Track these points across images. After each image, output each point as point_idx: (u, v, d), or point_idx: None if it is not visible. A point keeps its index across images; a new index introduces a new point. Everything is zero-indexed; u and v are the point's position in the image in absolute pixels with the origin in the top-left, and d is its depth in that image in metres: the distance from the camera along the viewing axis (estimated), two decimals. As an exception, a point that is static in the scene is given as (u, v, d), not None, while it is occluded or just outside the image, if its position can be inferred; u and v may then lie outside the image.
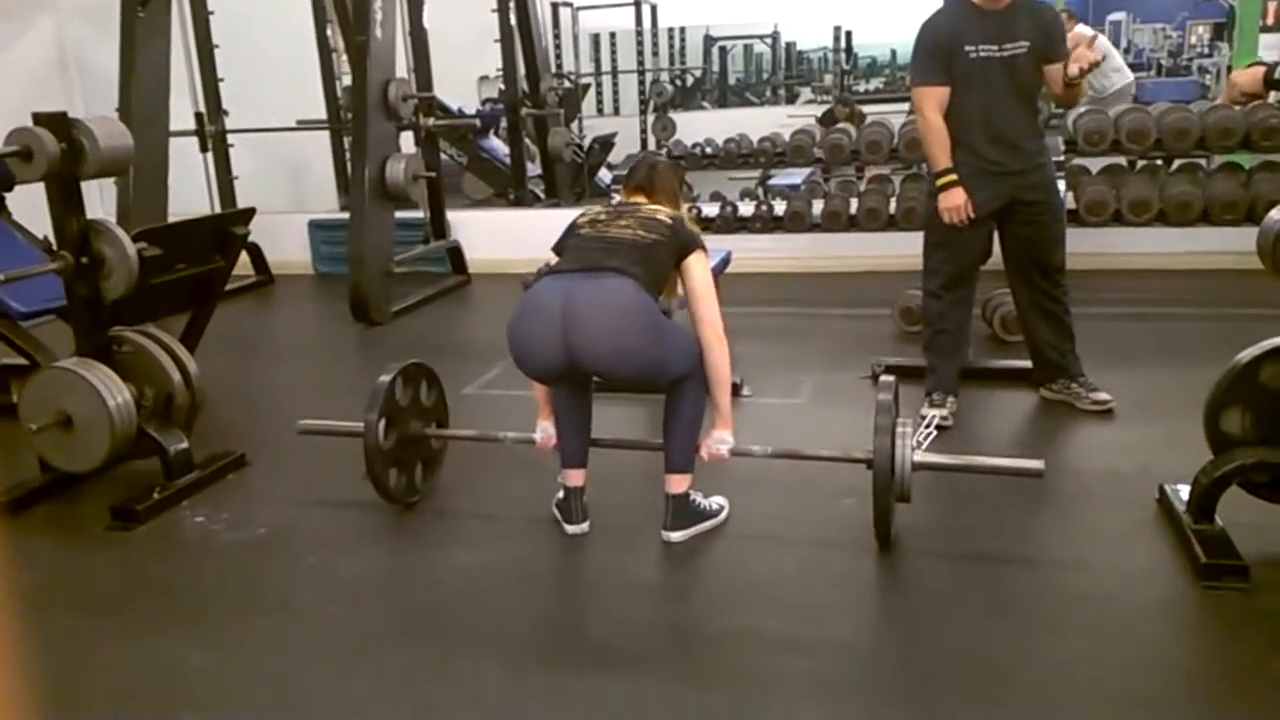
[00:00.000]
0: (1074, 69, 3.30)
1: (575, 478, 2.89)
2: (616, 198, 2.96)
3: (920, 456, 2.62)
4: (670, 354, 2.65)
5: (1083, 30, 7.01)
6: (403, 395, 3.04)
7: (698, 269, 2.71)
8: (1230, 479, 2.55)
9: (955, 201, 3.38)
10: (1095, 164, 5.69)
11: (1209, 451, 2.60)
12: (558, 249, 2.77)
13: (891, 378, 2.74)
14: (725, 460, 2.82)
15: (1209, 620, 2.35)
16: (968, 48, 3.33)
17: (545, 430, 2.96)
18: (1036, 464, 2.63)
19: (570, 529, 2.87)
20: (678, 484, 2.79)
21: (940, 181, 3.40)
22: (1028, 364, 3.79)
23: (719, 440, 2.80)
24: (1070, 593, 2.47)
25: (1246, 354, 2.55)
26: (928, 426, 2.84)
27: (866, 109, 8.13)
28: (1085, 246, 5.22)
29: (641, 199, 2.85)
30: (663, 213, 2.74)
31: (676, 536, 2.78)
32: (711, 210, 6.16)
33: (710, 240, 3.06)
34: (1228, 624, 2.32)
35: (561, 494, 2.91)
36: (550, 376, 2.72)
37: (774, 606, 2.48)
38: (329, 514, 3.19)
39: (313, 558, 2.88)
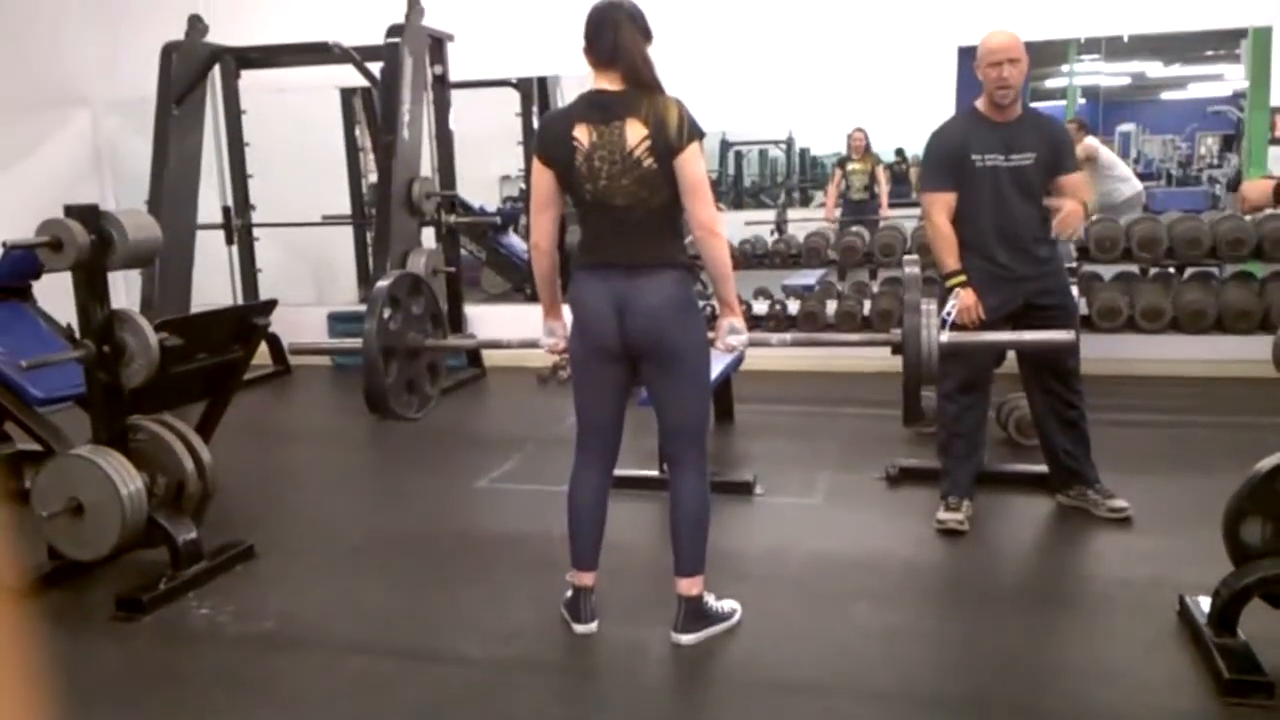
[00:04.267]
0: (1056, 228, 3.41)
1: (585, 579, 2.84)
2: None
3: (945, 336, 2.57)
4: (703, 358, 2.70)
5: (1090, 142, 7.17)
6: (399, 311, 3.02)
7: (689, 166, 2.52)
8: (1252, 591, 2.50)
9: (967, 302, 3.40)
10: (1107, 271, 5.73)
11: (1228, 561, 2.56)
12: (547, 162, 2.61)
13: (915, 256, 2.69)
14: (737, 349, 2.83)
15: (1234, 738, 2.28)
16: (974, 156, 3.41)
17: (552, 330, 2.91)
18: (1067, 335, 2.59)
19: (579, 629, 2.82)
20: (689, 586, 2.75)
21: (950, 284, 3.43)
22: (1043, 469, 3.77)
23: (730, 330, 2.77)
24: (1094, 706, 2.41)
25: (1265, 463, 2.53)
26: (948, 314, 2.77)
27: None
28: (1099, 352, 5.23)
29: (615, 81, 2.57)
30: (643, 144, 2.50)
31: (687, 640, 2.73)
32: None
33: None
34: (1254, 742, 2.25)
35: (570, 593, 2.87)
36: (603, 352, 2.68)
37: (787, 714, 2.42)
38: (338, 607, 3.15)
39: (320, 652, 2.84)
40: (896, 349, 2.57)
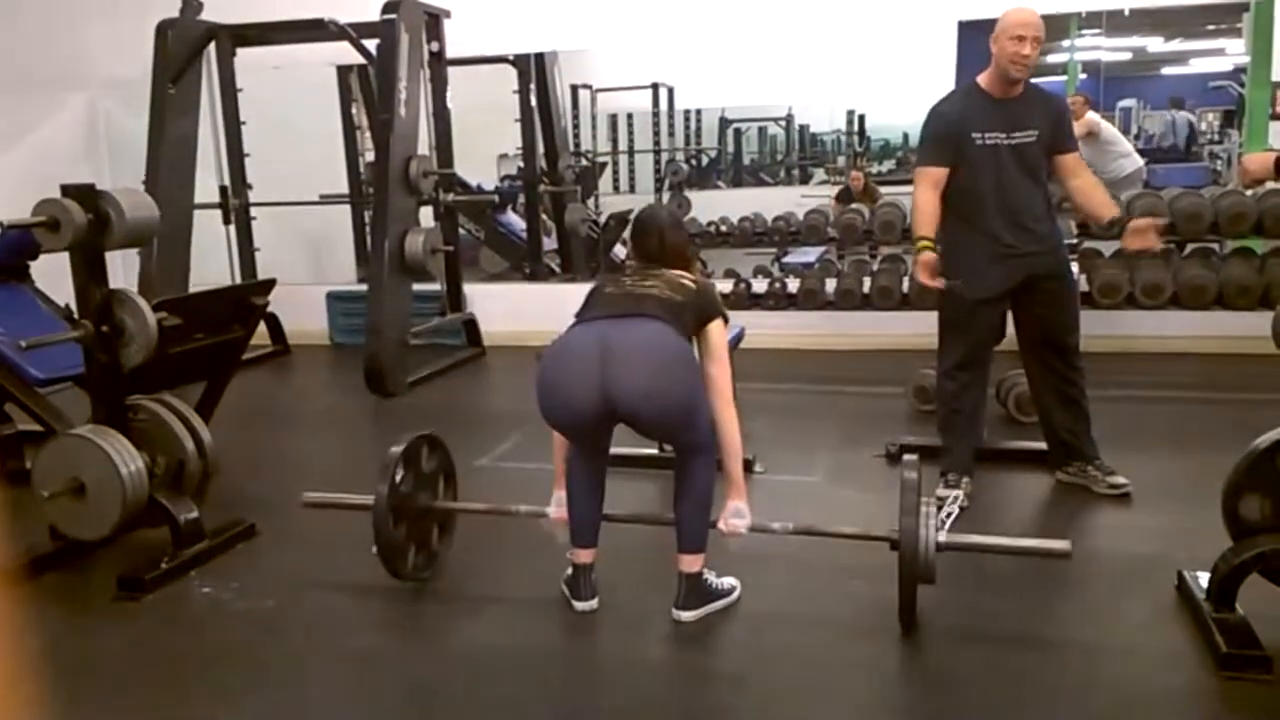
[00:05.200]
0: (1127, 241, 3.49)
1: (584, 556, 2.85)
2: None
3: (945, 537, 2.58)
4: (700, 404, 2.65)
5: (1092, 117, 7.14)
6: (411, 471, 3.01)
7: (716, 335, 2.75)
8: (1250, 566, 2.51)
9: (927, 259, 3.40)
10: (1108, 247, 5.72)
11: (1228, 537, 2.57)
12: (585, 306, 2.79)
13: (915, 457, 2.71)
14: (742, 535, 2.79)
15: (1231, 712, 2.29)
16: (975, 135, 3.39)
17: (561, 501, 2.91)
18: (1063, 545, 2.59)
19: (579, 606, 2.83)
20: (691, 564, 2.76)
21: (918, 247, 3.45)
22: (1043, 446, 3.77)
23: (735, 513, 2.77)
24: (1092, 680, 2.42)
25: (1264, 439, 2.53)
26: (951, 504, 2.79)
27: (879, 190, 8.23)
28: (1099, 329, 5.22)
29: (658, 268, 2.85)
30: (687, 277, 2.78)
31: (688, 616, 2.74)
32: (725, 287, 6.20)
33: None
34: (1250, 716, 2.26)
35: (570, 571, 2.88)
36: (580, 424, 2.64)
37: (787, 689, 2.44)
38: (338, 586, 3.16)
39: (321, 631, 2.85)
40: (894, 546, 2.58)
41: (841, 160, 11.06)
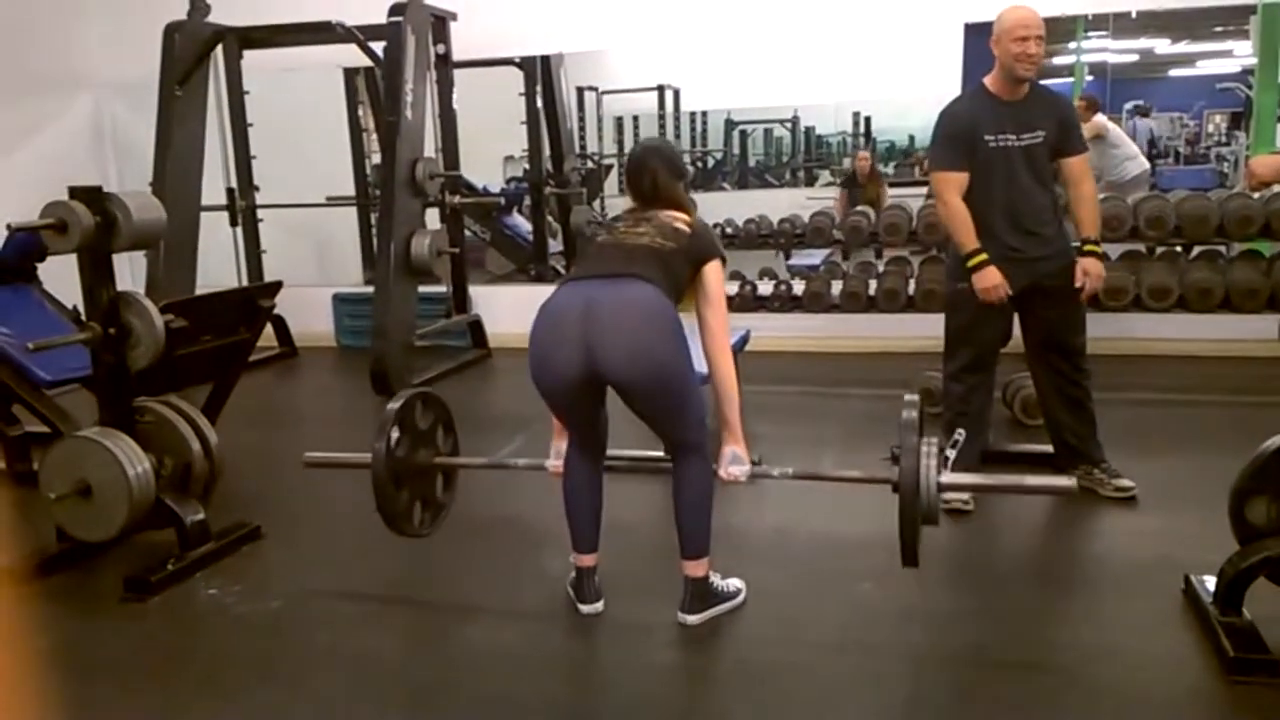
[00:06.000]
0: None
1: (587, 560, 2.85)
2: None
3: (947, 477, 2.53)
4: (691, 382, 2.63)
5: (1099, 120, 7.13)
6: (409, 428, 2.98)
7: (712, 277, 2.70)
8: (1257, 570, 2.50)
9: (991, 281, 3.36)
10: (1114, 250, 5.71)
11: (1234, 541, 2.56)
12: (577, 259, 2.78)
13: (915, 397, 2.63)
14: (742, 483, 2.77)
15: (1238, 716, 2.29)
16: (986, 136, 3.38)
17: (560, 452, 2.87)
18: (1069, 482, 2.56)
19: (584, 609, 2.83)
20: (695, 568, 2.75)
21: (971, 263, 3.38)
22: (1049, 448, 3.76)
23: (733, 460, 2.73)
24: (1099, 684, 2.41)
25: (1271, 443, 2.52)
26: (954, 446, 2.74)
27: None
28: (1105, 331, 5.21)
29: (652, 210, 2.78)
30: (681, 220, 2.72)
31: (693, 619, 2.74)
32: (731, 289, 6.19)
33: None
34: (1258, 720, 2.26)
35: (574, 574, 2.88)
36: (567, 389, 2.61)
37: (793, 693, 2.44)
38: (343, 588, 3.17)
39: (326, 632, 2.86)
40: (896, 488, 2.53)
41: (847, 163, 11.08)
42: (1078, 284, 3.43)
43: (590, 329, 2.51)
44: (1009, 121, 3.37)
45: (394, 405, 2.92)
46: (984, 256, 3.37)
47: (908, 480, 2.46)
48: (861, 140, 10.70)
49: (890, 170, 11.56)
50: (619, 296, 2.54)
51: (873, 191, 8.03)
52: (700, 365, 2.70)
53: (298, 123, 7.78)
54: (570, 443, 2.84)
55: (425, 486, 3.06)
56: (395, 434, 2.89)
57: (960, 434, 2.76)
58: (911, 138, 9.57)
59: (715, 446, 2.77)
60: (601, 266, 2.64)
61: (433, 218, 6.56)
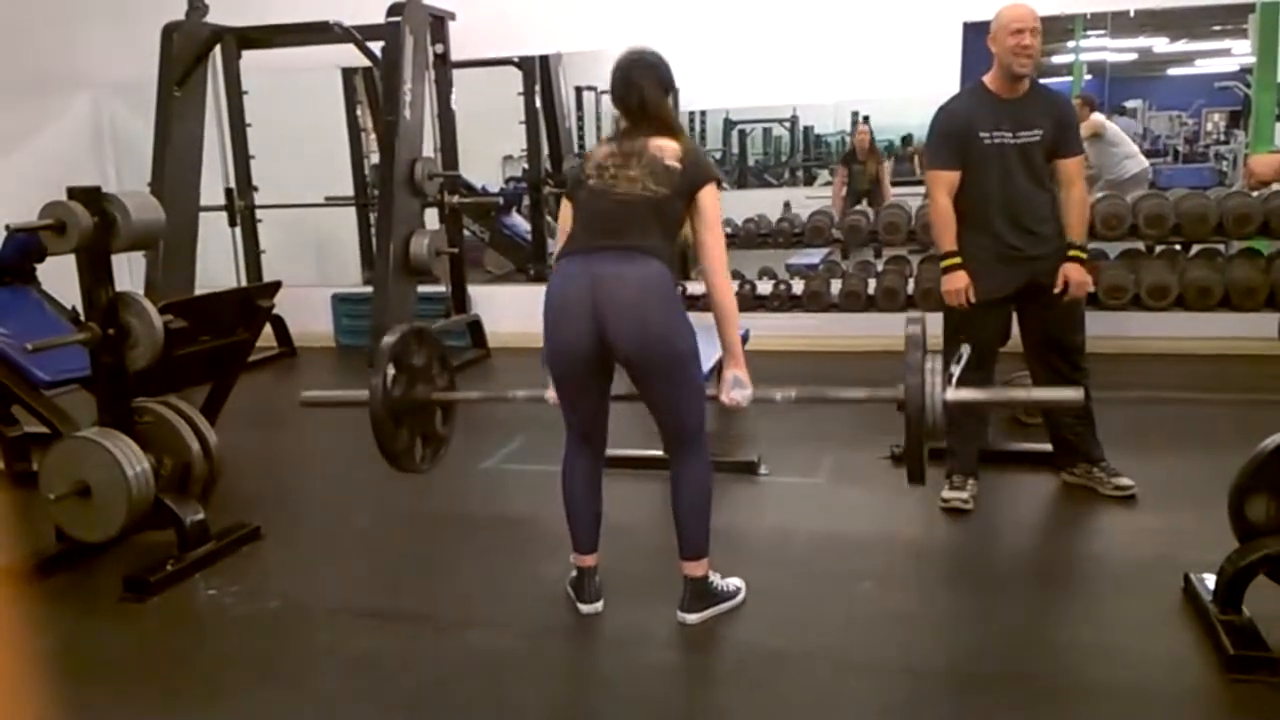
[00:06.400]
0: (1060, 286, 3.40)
1: (588, 560, 2.85)
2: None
3: (952, 393, 2.52)
4: (691, 352, 2.61)
5: (1097, 119, 7.13)
6: (404, 364, 2.97)
7: (708, 201, 2.61)
8: (1257, 568, 2.50)
9: (957, 285, 3.40)
10: (1113, 249, 5.71)
11: (1234, 539, 2.56)
12: (570, 196, 2.71)
13: (919, 314, 2.62)
14: (743, 406, 2.75)
15: (1237, 715, 2.29)
16: (982, 134, 3.38)
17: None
18: (1074, 393, 2.53)
19: (584, 609, 2.83)
20: (694, 568, 2.75)
21: (944, 264, 3.43)
22: (1048, 447, 3.76)
23: (735, 383, 2.70)
24: (1098, 683, 2.41)
25: (1271, 441, 2.52)
26: (958, 362, 2.72)
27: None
28: (1104, 330, 5.21)
29: (641, 134, 2.65)
30: (669, 152, 2.59)
31: (693, 619, 2.74)
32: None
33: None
34: (1257, 718, 2.26)
35: (574, 573, 2.88)
36: (581, 363, 2.61)
37: (793, 693, 2.44)
38: (342, 588, 3.17)
39: (325, 633, 2.86)
40: (901, 406, 2.51)
41: (846, 161, 11.06)
42: (1057, 289, 3.42)
43: (599, 305, 2.52)
44: (1006, 119, 3.37)
45: (389, 339, 2.91)
46: (956, 260, 3.40)
47: (913, 397, 2.45)
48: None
49: (889, 164, 11.57)
50: (622, 275, 2.53)
51: (873, 167, 7.98)
52: (709, 362, 2.69)
53: (296, 123, 7.77)
54: (571, 444, 2.83)
55: (424, 422, 3.06)
56: (392, 371, 2.88)
57: (965, 349, 2.75)
58: (910, 136, 9.58)
59: (714, 446, 2.77)
60: (599, 234, 2.59)
61: (431, 218, 6.55)
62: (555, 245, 2.78)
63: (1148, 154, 8.40)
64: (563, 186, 7.51)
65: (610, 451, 2.90)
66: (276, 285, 3.98)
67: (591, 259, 2.57)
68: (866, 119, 9.50)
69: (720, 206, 2.65)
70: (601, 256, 2.56)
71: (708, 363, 2.96)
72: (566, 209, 2.73)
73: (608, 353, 2.57)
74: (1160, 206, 5.37)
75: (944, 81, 5.61)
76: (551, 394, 2.84)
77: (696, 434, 2.70)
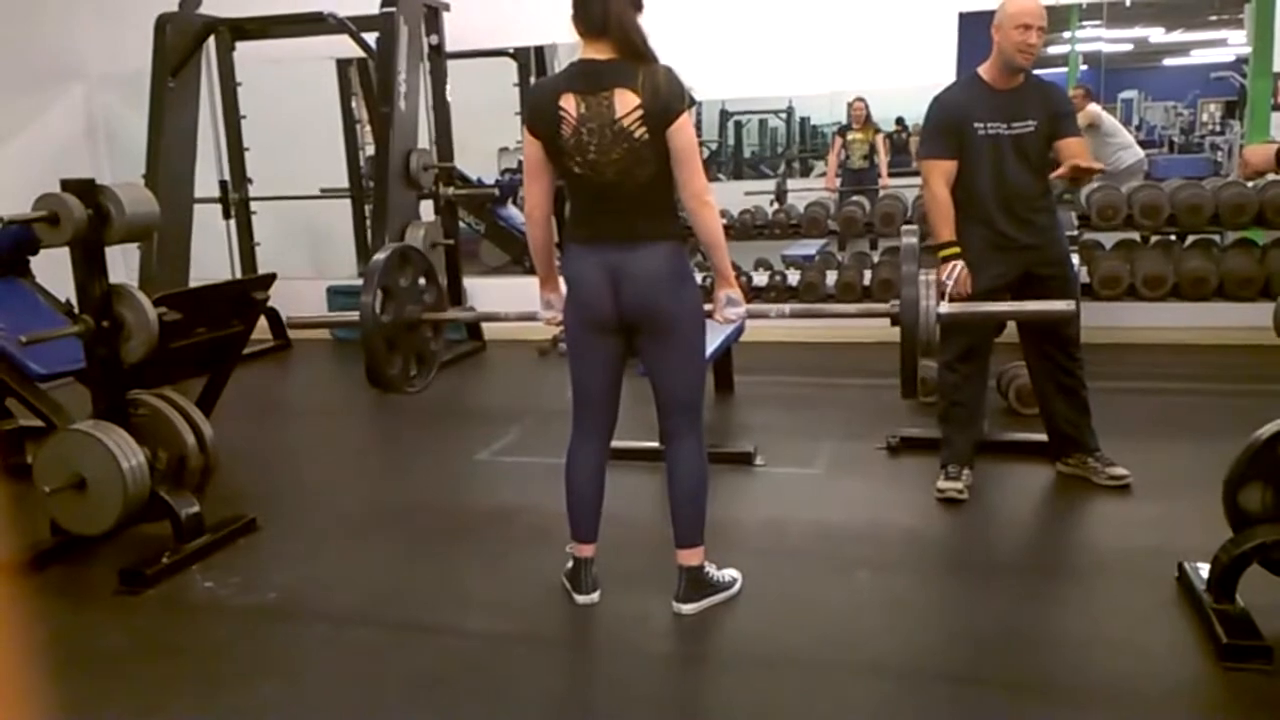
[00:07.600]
0: (1064, 171, 3.30)
1: (586, 550, 2.85)
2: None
3: (945, 307, 2.52)
4: (699, 321, 2.67)
5: (1094, 109, 7.12)
6: (393, 284, 2.97)
7: (679, 139, 2.47)
8: (1251, 558, 2.51)
9: (961, 275, 3.38)
10: (1109, 239, 5.72)
11: (1228, 528, 2.57)
12: (534, 133, 2.56)
13: (914, 226, 2.63)
14: (736, 321, 2.81)
15: (1232, 703, 2.30)
16: (976, 124, 3.38)
17: (550, 303, 2.87)
18: (1066, 305, 2.55)
19: (580, 599, 2.83)
20: (689, 557, 2.75)
21: (941, 254, 3.42)
22: (1043, 438, 3.77)
23: (728, 301, 2.73)
24: (1093, 672, 2.42)
25: (1265, 430, 2.53)
26: (949, 276, 2.71)
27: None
28: (1100, 320, 5.22)
29: (605, 51, 2.47)
30: (634, 114, 2.43)
31: (688, 609, 2.74)
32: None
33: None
34: (1251, 707, 2.26)
35: (571, 564, 2.88)
36: (607, 325, 2.65)
37: (788, 683, 2.44)
38: (339, 579, 3.17)
39: (322, 623, 2.86)
40: (895, 320, 2.51)
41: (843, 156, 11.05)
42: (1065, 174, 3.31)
43: (616, 283, 2.58)
44: (1000, 110, 3.37)
45: (379, 258, 2.91)
46: (955, 250, 3.40)
47: (908, 311, 2.45)
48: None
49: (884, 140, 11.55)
50: (638, 266, 2.57)
51: (869, 137, 7.94)
52: (709, 347, 2.72)
53: (291, 114, 7.75)
54: (577, 433, 2.83)
55: (415, 341, 3.08)
56: (380, 294, 2.90)
57: (957, 267, 2.74)
58: (900, 119, 9.58)
59: (710, 436, 2.77)
60: (602, 227, 2.60)
61: (427, 209, 6.54)
62: (523, 192, 2.74)
63: (1143, 144, 8.39)
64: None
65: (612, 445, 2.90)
66: (271, 277, 3.97)
67: (602, 250, 2.60)
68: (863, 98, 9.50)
69: (692, 132, 2.51)
70: (611, 248, 2.59)
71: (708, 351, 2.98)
72: (532, 147, 2.58)
73: (624, 315, 2.61)
74: (1156, 197, 5.38)
75: (940, 72, 5.60)
76: (543, 314, 2.88)
77: (690, 410, 2.70)
